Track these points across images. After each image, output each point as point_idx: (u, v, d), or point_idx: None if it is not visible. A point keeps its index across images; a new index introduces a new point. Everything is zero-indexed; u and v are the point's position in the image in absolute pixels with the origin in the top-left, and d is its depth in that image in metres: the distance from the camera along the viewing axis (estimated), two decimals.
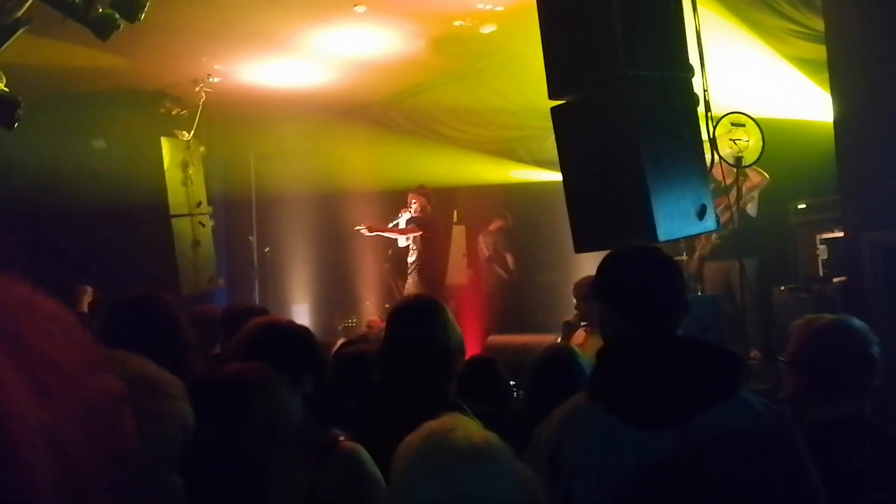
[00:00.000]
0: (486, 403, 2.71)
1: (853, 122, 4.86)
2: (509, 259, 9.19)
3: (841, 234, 5.27)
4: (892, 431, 1.89)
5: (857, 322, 1.97)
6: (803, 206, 6.43)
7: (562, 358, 2.44)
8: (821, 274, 5.67)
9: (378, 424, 2.06)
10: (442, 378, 2.23)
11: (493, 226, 9.27)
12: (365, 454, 1.98)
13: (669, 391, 1.60)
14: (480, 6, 6.08)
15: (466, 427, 1.29)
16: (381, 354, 2.29)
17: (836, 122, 4.91)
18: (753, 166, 5.55)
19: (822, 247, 5.65)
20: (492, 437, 1.28)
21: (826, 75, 5.40)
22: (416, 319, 2.30)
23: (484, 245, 9.32)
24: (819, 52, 5.60)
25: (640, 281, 1.73)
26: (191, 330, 2.21)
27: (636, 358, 1.66)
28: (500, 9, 6.09)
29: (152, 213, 7.67)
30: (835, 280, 5.15)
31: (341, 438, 2.02)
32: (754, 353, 5.88)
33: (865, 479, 1.77)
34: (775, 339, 5.43)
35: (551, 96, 3.84)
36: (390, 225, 8.17)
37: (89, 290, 5.04)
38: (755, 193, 5.91)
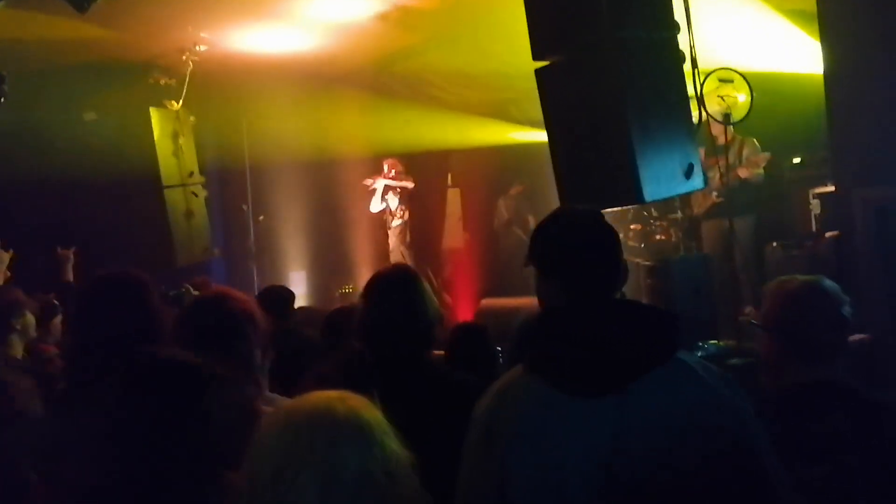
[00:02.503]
0: (473, 370, 2.73)
1: (844, 76, 4.81)
2: (531, 221, 9.24)
3: (833, 189, 5.25)
4: (866, 392, 1.90)
5: (828, 283, 1.97)
6: (798, 160, 6.40)
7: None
8: (814, 229, 5.66)
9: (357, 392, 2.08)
10: (420, 347, 2.26)
11: (514, 190, 9.33)
12: None
13: (604, 357, 1.56)
14: None
15: (341, 399, 1.31)
16: (359, 325, 2.30)
17: (826, 77, 4.86)
18: (743, 164, 5.50)
19: (815, 202, 5.64)
20: (364, 412, 1.29)
21: (814, 25, 5.33)
22: (392, 290, 2.31)
23: (504, 208, 9.36)
24: (811, 3, 5.51)
25: (570, 247, 1.68)
26: (164, 310, 2.22)
27: (569, 325, 1.62)
28: None
29: (144, 184, 7.66)
30: (827, 235, 5.14)
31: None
32: (749, 309, 5.90)
33: (841, 441, 1.78)
34: None
35: (535, 57, 3.81)
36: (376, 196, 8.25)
37: (70, 254, 5.03)
38: (760, 168, 5.83)
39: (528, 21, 3.75)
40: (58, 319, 3.90)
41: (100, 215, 7.51)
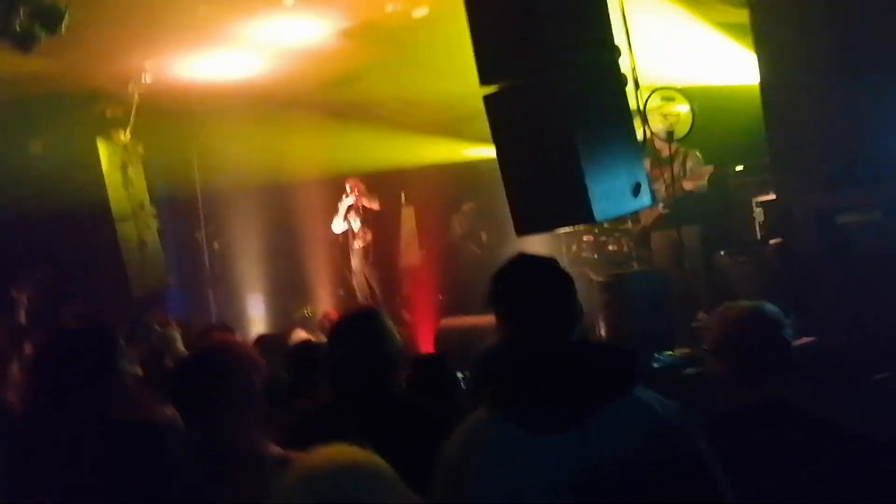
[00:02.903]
0: (435, 399, 2.78)
1: (779, 87, 4.99)
2: (484, 236, 9.32)
3: (774, 198, 5.43)
4: (811, 412, 2.00)
5: (769, 307, 2.08)
6: (740, 168, 6.61)
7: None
8: (758, 237, 5.84)
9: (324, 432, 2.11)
10: (381, 384, 2.32)
11: (467, 207, 9.42)
12: None
13: (563, 394, 1.64)
14: None
15: (337, 450, 1.36)
16: (326, 363, 2.38)
17: (762, 87, 5.03)
18: (687, 176, 5.66)
19: (758, 210, 5.82)
20: (361, 456, 1.36)
21: (748, 38, 5.52)
22: (354, 331, 2.40)
23: (458, 225, 9.43)
24: (740, 15, 5.70)
25: (527, 292, 1.77)
26: (130, 363, 2.21)
27: (528, 366, 1.71)
28: None
29: (95, 216, 7.53)
30: (771, 242, 5.31)
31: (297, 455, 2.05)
32: (701, 316, 6.05)
33: (788, 461, 1.88)
34: (718, 302, 5.59)
35: (482, 83, 3.89)
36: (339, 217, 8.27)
37: (24, 297, 4.96)
38: (704, 181, 6.01)
39: (474, 48, 3.83)
40: (14, 367, 3.82)
41: (51, 250, 7.37)
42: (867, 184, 4.41)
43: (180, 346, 3.59)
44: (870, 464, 1.88)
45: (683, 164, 5.99)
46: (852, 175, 4.51)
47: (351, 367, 2.32)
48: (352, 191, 8.29)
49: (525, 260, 1.86)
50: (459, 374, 3.48)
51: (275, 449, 1.98)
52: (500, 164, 3.87)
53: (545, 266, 1.83)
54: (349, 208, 8.56)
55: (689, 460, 1.63)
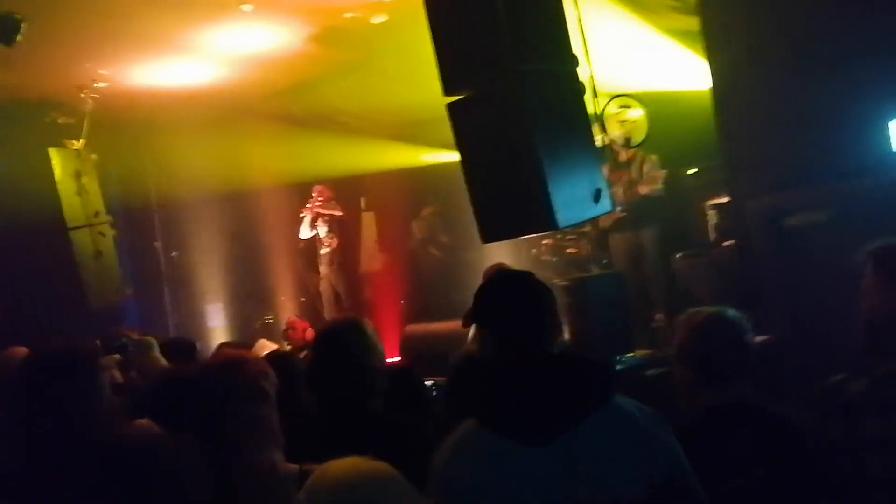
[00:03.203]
0: (408, 413, 2.81)
1: (730, 92, 5.12)
2: (444, 239, 9.36)
3: (727, 200, 5.58)
4: (773, 412, 2.10)
5: (731, 312, 2.17)
6: (693, 171, 6.77)
7: (475, 364, 2.56)
8: (712, 239, 6.00)
9: (306, 446, 2.13)
10: (364, 396, 2.35)
11: (426, 212, 9.44)
12: None
13: (548, 406, 1.72)
14: None
15: (356, 461, 1.40)
16: (308, 375, 2.40)
17: (714, 92, 5.18)
18: (644, 180, 5.80)
19: (711, 212, 5.98)
20: (375, 465, 1.39)
21: (699, 44, 5.68)
22: (339, 342, 2.41)
23: (417, 230, 9.45)
24: (691, 22, 5.85)
25: (510, 308, 1.84)
26: (110, 389, 2.15)
27: (513, 380, 1.78)
28: None
29: (49, 227, 7.38)
30: (724, 244, 5.47)
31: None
32: (658, 316, 6.20)
33: (749, 461, 1.97)
34: (676, 302, 5.73)
35: (446, 93, 3.93)
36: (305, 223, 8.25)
37: None
38: (659, 185, 6.15)
39: (436, 58, 3.87)
40: None
41: (4, 261, 7.19)
42: (814, 185, 4.57)
43: (157, 353, 3.53)
44: (828, 463, 1.98)
45: (640, 168, 6.12)
46: (800, 177, 4.67)
47: (335, 378, 2.33)
48: (317, 196, 8.24)
49: (508, 276, 1.93)
50: (428, 382, 3.52)
51: (287, 464, 1.98)
52: (464, 172, 3.91)
53: (527, 282, 1.90)
54: (316, 215, 8.50)
55: (671, 467, 1.72)
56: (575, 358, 1.83)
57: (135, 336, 3.74)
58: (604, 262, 6.84)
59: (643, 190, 6.01)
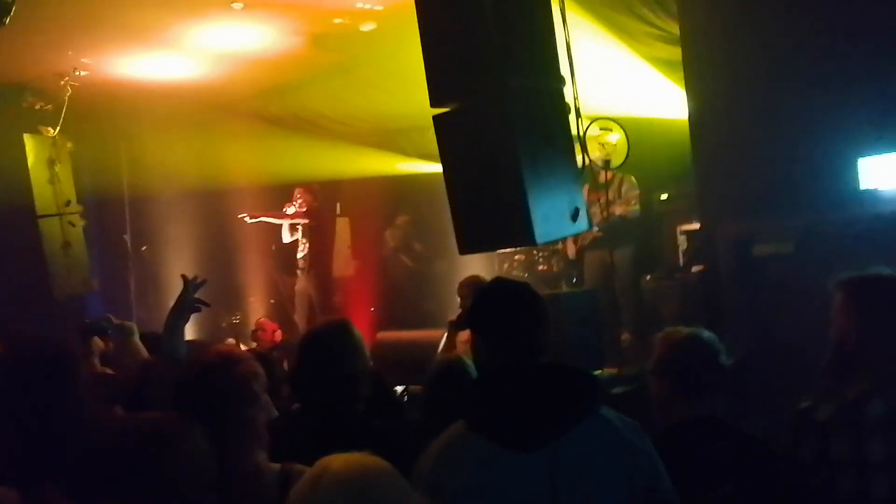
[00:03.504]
0: (384, 418, 2.83)
1: (707, 121, 5.28)
2: (417, 247, 9.39)
3: (698, 226, 5.72)
4: (742, 428, 2.19)
5: (707, 334, 2.27)
6: (665, 196, 6.92)
7: (454, 371, 2.61)
8: (681, 263, 6.13)
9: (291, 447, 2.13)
10: (349, 400, 2.36)
11: (400, 220, 9.46)
12: None
13: (536, 415, 1.78)
14: (360, 5, 6.13)
15: (352, 457, 1.42)
16: (293, 376, 2.41)
17: (691, 121, 5.32)
18: (620, 202, 5.91)
19: (681, 237, 6.12)
20: (377, 460, 1.42)
21: (681, 74, 5.84)
22: (326, 344, 2.42)
23: (390, 238, 9.46)
24: (674, 52, 6.02)
25: (505, 317, 1.90)
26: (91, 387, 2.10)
27: (504, 387, 1.83)
28: (378, 8, 6.16)
29: (17, 213, 7.27)
30: (693, 269, 5.59)
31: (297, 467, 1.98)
32: (625, 335, 6.31)
33: (719, 472, 2.05)
34: (645, 322, 5.84)
35: (433, 104, 3.98)
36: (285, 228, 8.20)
37: None
38: (634, 204, 6.26)
39: (426, 70, 3.92)
40: None
41: None
42: (783, 216, 4.72)
43: (137, 339, 3.50)
44: (793, 480, 2.06)
45: (619, 189, 6.24)
46: (770, 207, 4.82)
47: (321, 381, 2.34)
48: (296, 198, 8.21)
49: (506, 285, 1.99)
50: (399, 388, 3.55)
51: (269, 463, 1.96)
52: (446, 183, 3.96)
53: (525, 292, 1.96)
54: (291, 223, 8.44)
55: (652, 476, 1.79)
56: (565, 368, 1.89)
57: (115, 321, 3.69)
58: (573, 280, 6.94)
59: (618, 210, 6.12)
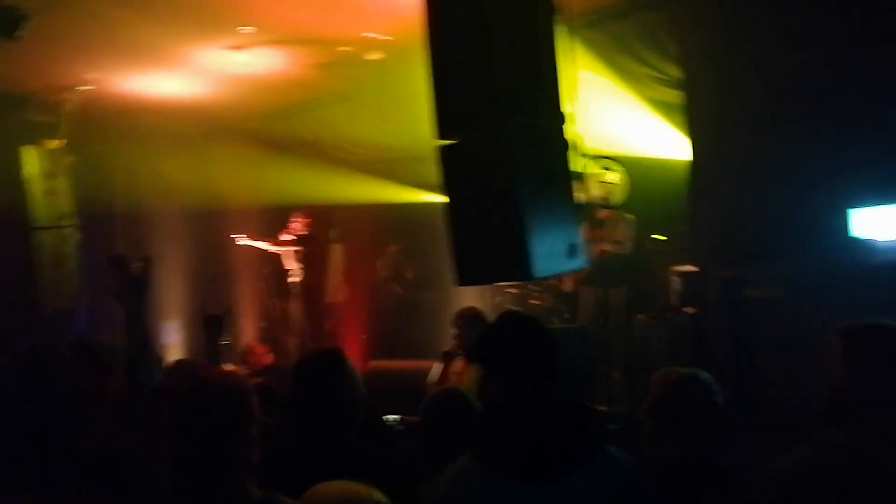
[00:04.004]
0: (377, 446, 2.83)
1: (704, 164, 5.38)
2: (408, 276, 9.38)
3: (692, 268, 5.78)
4: (731, 469, 2.21)
5: (704, 375, 2.29)
6: (658, 237, 6.97)
7: (454, 403, 2.61)
8: (673, 304, 6.17)
9: (283, 474, 2.12)
10: (343, 428, 2.35)
11: (391, 249, 9.47)
12: None
13: (550, 450, 1.79)
14: (366, 34, 6.23)
15: (341, 484, 1.42)
16: (288, 402, 2.39)
17: (692, 163, 5.41)
18: (613, 240, 5.97)
19: (675, 279, 6.16)
20: (366, 488, 1.42)
21: (677, 117, 5.95)
22: (322, 371, 2.40)
23: (382, 267, 9.46)
24: (670, 95, 6.14)
25: (516, 351, 1.91)
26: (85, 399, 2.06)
27: (515, 422, 1.84)
28: (385, 38, 6.26)
29: (11, 225, 7.26)
30: (684, 310, 5.65)
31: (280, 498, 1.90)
32: (615, 374, 6.31)
33: None
34: (635, 362, 5.86)
35: (438, 137, 4.04)
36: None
37: None
38: (627, 239, 6.31)
39: (433, 102, 3.99)
40: None
41: None
42: (775, 261, 4.79)
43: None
44: None
45: (616, 227, 6.29)
46: (762, 252, 4.90)
47: (316, 409, 2.32)
48: (292, 223, 8.24)
49: (515, 319, 1.99)
50: (392, 418, 3.54)
51: (256, 490, 1.89)
52: (447, 214, 4.00)
53: (534, 328, 1.96)
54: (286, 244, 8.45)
55: None
56: (575, 405, 1.90)
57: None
58: (565, 316, 6.96)
59: (606, 247, 6.16)
